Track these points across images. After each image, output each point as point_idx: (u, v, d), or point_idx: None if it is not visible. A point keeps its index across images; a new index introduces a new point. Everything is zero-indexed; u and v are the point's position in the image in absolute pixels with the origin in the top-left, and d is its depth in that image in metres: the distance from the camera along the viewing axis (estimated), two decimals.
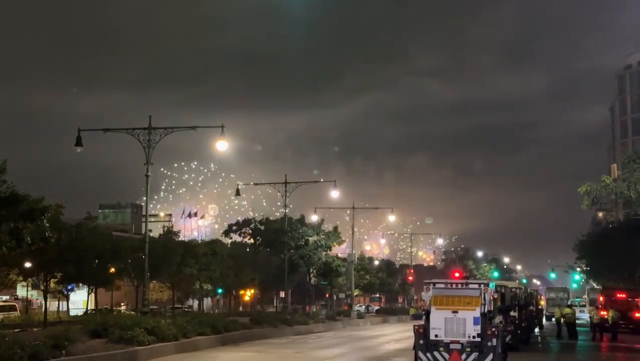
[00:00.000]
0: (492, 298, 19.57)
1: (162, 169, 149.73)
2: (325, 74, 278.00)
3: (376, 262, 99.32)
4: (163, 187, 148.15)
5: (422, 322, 19.56)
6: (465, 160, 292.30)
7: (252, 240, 67.00)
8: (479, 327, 18.33)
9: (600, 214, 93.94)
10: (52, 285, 43.59)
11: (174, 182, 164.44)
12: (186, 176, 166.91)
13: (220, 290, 65.34)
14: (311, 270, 68.28)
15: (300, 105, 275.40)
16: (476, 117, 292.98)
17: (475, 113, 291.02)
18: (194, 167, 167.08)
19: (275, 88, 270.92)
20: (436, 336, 18.57)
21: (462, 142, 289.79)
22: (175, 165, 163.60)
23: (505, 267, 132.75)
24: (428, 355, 18.67)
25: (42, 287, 42.77)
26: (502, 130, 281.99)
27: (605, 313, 39.71)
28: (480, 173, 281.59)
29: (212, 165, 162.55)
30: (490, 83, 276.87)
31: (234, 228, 67.98)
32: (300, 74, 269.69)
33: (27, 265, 38.26)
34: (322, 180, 58.64)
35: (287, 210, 52.84)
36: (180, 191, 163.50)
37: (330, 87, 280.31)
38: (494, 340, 18.33)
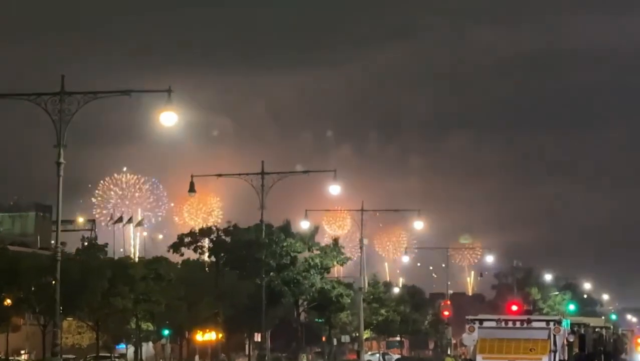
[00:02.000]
0: (566, 341, 19.65)
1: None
2: (325, 21, 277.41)
3: (396, 290, 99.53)
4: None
5: None
6: (524, 142, 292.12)
7: (213, 258, 66.95)
8: None
9: None
10: None
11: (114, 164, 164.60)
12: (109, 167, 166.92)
13: (166, 331, 65.35)
14: (300, 301, 68.37)
15: (291, 64, 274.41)
16: (544, 79, 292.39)
17: (544, 73, 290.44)
18: (132, 160, 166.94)
19: (254, 42, 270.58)
20: None
21: (519, 117, 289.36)
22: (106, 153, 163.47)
23: (585, 296, 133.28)
24: None
25: None
26: (586, 99, 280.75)
27: None
28: (545, 162, 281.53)
29: (157, 151, 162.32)
30: (570, 30, 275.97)
31: (187, 240, 67.76)
32: (292, 21, 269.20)
33: None
34: (318, 164, 58.62)
35: (264, 214, 52.47)
36: (112, 188, 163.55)
37: (332, 39, 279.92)
38: None
